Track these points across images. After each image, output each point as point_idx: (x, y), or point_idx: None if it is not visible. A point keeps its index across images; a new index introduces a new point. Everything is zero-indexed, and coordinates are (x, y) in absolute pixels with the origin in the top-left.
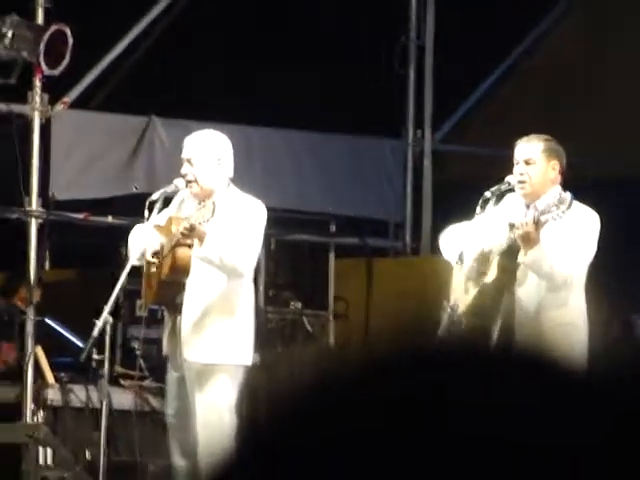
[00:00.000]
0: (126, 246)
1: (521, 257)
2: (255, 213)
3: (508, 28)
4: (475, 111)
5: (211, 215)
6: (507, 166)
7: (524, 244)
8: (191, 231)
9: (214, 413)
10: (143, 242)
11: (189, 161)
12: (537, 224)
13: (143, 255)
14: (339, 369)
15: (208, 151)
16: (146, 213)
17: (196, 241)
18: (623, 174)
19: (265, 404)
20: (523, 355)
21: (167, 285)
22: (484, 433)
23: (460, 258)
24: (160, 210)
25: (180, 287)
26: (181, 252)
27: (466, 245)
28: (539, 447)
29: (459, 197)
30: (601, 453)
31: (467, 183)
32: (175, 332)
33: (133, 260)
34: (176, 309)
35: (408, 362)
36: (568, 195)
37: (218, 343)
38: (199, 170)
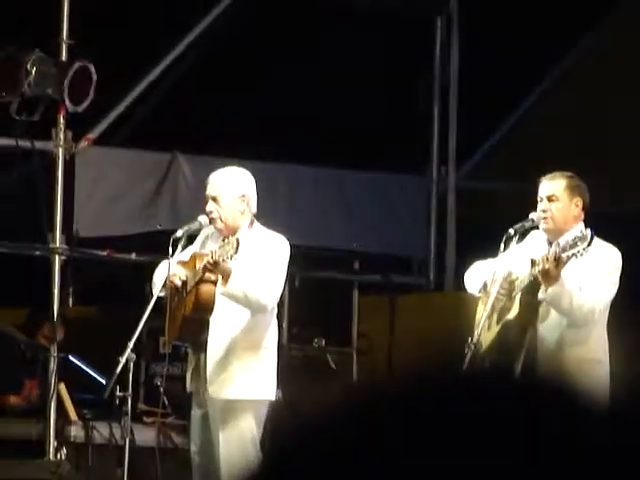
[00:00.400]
0: (150, 283)
1: (542, 293)
2: (279, 248)
3: (531, 64)
4: (499, 148)
5: (234, 252)
6: (531, 202)
7: (544, 280)
8: (214, 267)
9: (238, 449)
10: (167, 273)
11: (214, 199)
12: (558, 260)
13: (166, 288)
14: (368, 401)
15: (232, 188)
16: (170, 250)
17: (220, 278)
18: None
19: (290, 437)
20: (547, 384)
21: (191, 322)
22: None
23: (484, 289)
24: (184, 247)
25: (204, 324)
26: (205, 289)
27: (490, 280)
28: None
29: (483, 234)
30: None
31: (491, 220)
32: (199, 369)
33: (157, 293)
34: (200, 346)
35: (437, 394)
36: (589, 232)
37: (242, 379)
38: (223, 207)
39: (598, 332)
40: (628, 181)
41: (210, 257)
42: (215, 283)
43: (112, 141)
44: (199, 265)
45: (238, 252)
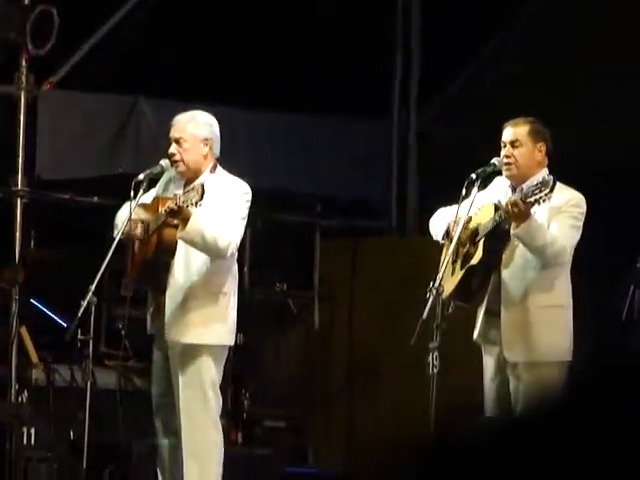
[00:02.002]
0: (112, 225)
1: (513, 229)
2: (240, 194)
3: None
4: (463, 93)
5: (199, 199)
6: (494, 148)
7: (515, 219)
8: (178, 212)
9: (197, 392)
10: (128, 215)
11: (177, 141)
12: (524, 201)
13: (126, 232)
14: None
15: (196, 131)
16: (132, 194)
17: (181, 222)
18: (609, 162)
19: None
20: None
21: (152, 265)
22: None
23: (447, 235)
24: (146, 191)
25: (165, 267)
26: (167, 232)
27: (453, 223)
28: None
29: (445, 177)
30: None
31: (453, 164)
32: (159, 312)
33: (118, 236)
34: (160, 289)
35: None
36: (551, 177)
37: (201, 324)
38: (186, 150)
39: (561, 278)
40: (594, 134)
41: (174, 202)
42: (177, 227)
43: (74, 85)
44: (162, 209)
45: (203, 199)
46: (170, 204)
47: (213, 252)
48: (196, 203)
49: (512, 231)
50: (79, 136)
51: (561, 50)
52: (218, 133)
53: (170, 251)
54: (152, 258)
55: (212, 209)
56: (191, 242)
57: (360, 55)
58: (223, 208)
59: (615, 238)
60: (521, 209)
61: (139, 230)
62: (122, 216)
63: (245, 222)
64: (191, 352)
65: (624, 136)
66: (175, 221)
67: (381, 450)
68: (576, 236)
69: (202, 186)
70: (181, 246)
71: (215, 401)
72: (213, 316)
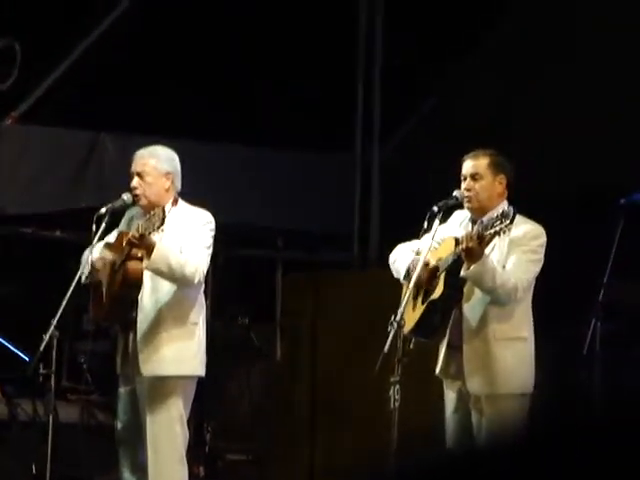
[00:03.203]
0: (75, 260)
1: (464, 271)
2: (204, 224)
3: (455, 38)
4: (424, 123)
5: (161, 223)
6: (456, 178)
7: (467, 258)
8: (140, 240)
9: (165, 427)
10: (93, 258)
11: (139, 175)
12: (481, 238)
13: (92, 272)
14: None
15: (157, 166)
16: (94, 227)
17: (145, 253)
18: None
19: None
20: None
21: (119, 301)
22: None
23: (407, 276)
24: (108, 225)
25: (132, 303)
26: (132, 266)
27: (413, 263)
28: None
29: (408, 210)
30: None
31: (415, 196)
32: (128, 348)
33: (80, 272)
34: (128, 326)
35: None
36: (511, 209)
37: (171, 355)
38: (148, 184)
39: (522, 310)
40: (553, 161)
41: (136, 230)
42: (142, 260)
43: (37, 119)
44: (125, 242)
45: (164, 224)
46: (133, 233)
47: (180, 280)
48: (158, 228)
49: (463, 272)
50: (42, 170)
51: (517, 81)
52: (179, 167)
53: (136, 285)
54: (118, 294)
55: (176, 238)
56: (157, 271)
57: (322, 89)
58: (187, 237)
59: (577, 270)
60: (475, 247)
61: (104, 269)
62: (86, 256)
63: (210, 251)
64: (161, 387)
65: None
66: (139, 253)
67: None
68: (534, 269)
69: (163, 210)
70: (147, 280)
71: (182, 437)
72: (185, 347)
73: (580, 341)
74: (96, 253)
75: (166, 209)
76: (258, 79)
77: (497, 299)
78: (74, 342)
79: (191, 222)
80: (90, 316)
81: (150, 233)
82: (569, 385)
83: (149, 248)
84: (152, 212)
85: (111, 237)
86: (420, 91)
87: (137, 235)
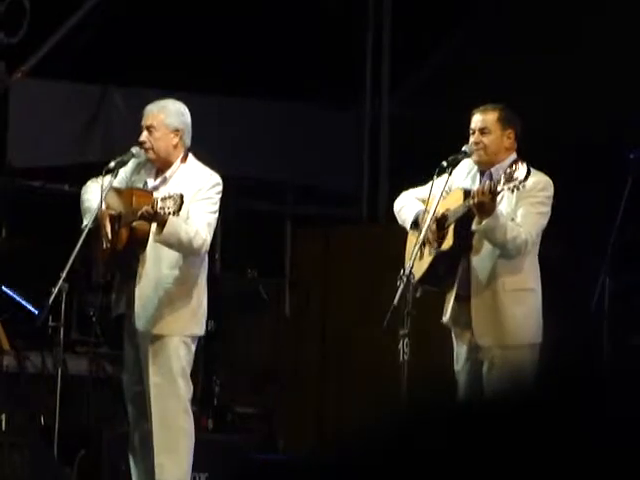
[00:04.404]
0: (81, 208)
1: (475, 225)
2: (211, 186)
3: None
4: (434, 77)
5: (177, 209)
6: (466, 132)
7: (479, 212)
8: (154, 216)
9: (168, 382)
10: (99, 204)
11: (148, 129)
12: (493, 194)
13: (98, 219)
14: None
15: (166, 121)
16: (102, 180)
17: (155, 225)
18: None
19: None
20: None
21: (122, 255)
22: None
23: (415, 224)
24: (116, 175)
25: (136, 256)
26: (139, 226)
27: (421, 211)
28: None
29: (417, 165)
30: None
31: (425, 150)
32: (129, 300)
33: (89, 223)
34: (130, 277)
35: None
36: (525, 166)
37: (172, 315)
38: (157, 139)
39: (530, 261)
40: (563, 113)
41: (150, 207)
42: (150, 221)
43: (46, 73)
44: (136, 202)
45: (181, 210)
46: (147, 209)
47: (187, 251)
48: (173, 213)
49: (474, 226)
50: (51, 124)
51: (530, 28)
52: (189, 122)
53: (142, 244)
54: (123, 249)
55: (185, 205)
56: (167, 245)
57: (331, 41)
58: (195, 204)
59: (584, 226)
60: (487, 201)
61: (108, 228)
62: (92, 198)
63: (217, 215)
64: (161, 341)
65: (592, 112)
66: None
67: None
68: (542, 221)
69: (181, 197)
70: (150, 236)
71: (185, 389)
72: (184, 307)
73: (588, 297)
74: (103, 198)
75: (175, 166)
76: (268, 31)
77: (507, 253)
78: (83, 295)
79: (199, 184)
80: (97, 269)
81: (164, 214)
82: (576, 339)
83: (161, 224)
84: (172, 195)
85: (118, 181)
86: (430, 43)
87: (151, 211)
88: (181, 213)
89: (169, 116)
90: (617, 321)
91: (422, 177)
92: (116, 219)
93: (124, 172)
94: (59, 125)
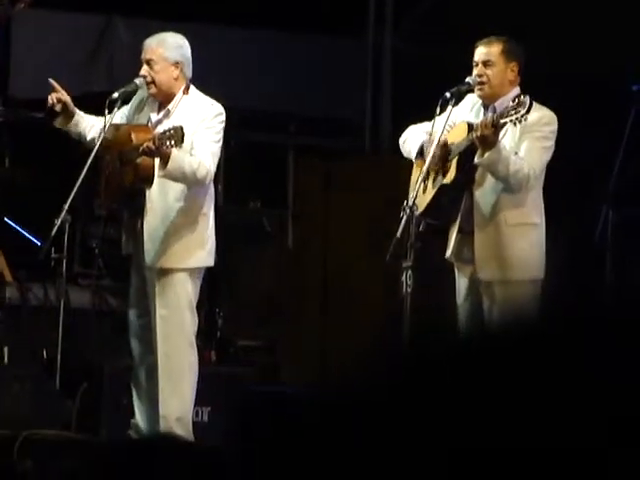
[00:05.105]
0: (83, 142)
1: (478, 158)
2: (214, 116)
3: None
4: (437, 9)
5: (180, 141)
6: (469, 65)
7: (482, 145)
8: (157, 151)
9: (175, 314)
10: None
11: (148, 62)
12: (496, 126)
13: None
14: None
15: (166, 54)
16: (106, 112)
17: (158, 160)
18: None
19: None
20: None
21: (128, 191)
22: None
23: (420, 154)
24: (120, 108)
25: (142, 191)
26: (144, 162)
27: (426, 141)
28: None
29: (420, 97)
30: None
31: (428, 83)
32: (136, 234)
33: (91, 156)
34: (137, 211)
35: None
36: (527, 99)
37: (181, 248)
38: (157, 72)
39: (533, 196)
40: (566, 45)
41: (152, 143)
42: (153, 156)
43: (50, 3)
44: (135, 138)
45: (183, 142)
46: (149, 145)
47: (192, 183)
48: (175, 145)
49: (476, 159)
50: (54, 55)
51: None
52: (189, 55)
53: (148, 180)
54: (130, 186)
55: (188, 136)
56: (171, 178)
57: None
58: (198, 134)
59: (587, 159)
60: (490, 134)
61: (111, 154)
62: (94, 127)
63: (220, 144)
64: (169, 274)
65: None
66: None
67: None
68: (546, 156)
69: (181, 129)
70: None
71: (191, 322)
72: (193, 240)
73: (591, 229)
74: (105, 132)
75: (177, 98)
76: None
77: (510, 187)
78: (86, 227)
79: (202, 114)
80: (100, 201)
81: (167, 147)
82: (579, 275)
83: (164, 159)
84: (170, 127)
85: (119, 115)
86: None
87: (153, 147)
88: (185, 144)
89: (168, 49)
90: (620, 253)
91: (425, 108)
92: (118, 157)
93: (126, 109)
94: (62, 56)
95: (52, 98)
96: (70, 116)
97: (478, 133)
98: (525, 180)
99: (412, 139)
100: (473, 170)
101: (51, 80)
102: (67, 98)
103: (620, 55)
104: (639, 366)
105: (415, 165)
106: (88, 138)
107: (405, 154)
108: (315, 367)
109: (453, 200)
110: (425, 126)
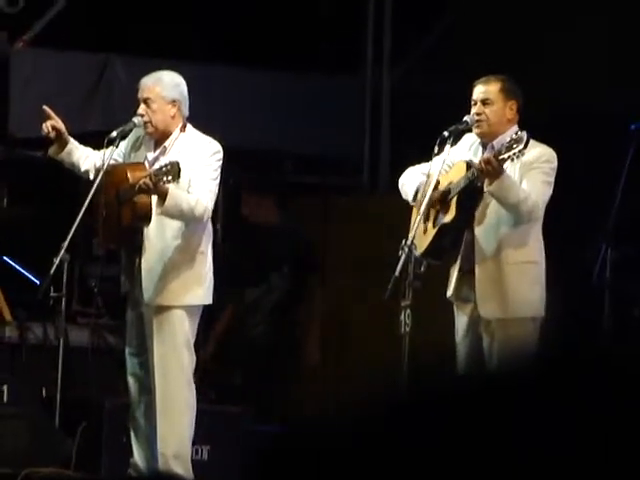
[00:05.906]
0: (86, 185)
1: (486, 187)
2: (212, 154)
3: None
4: (436, 48)
5: (177, 177)
6: (467, 104)
7: (488, 177)
8: (154, 188)
9: (172, 353)
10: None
11: (145, 101)
12: (497, 159)
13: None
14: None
15: (163, 93)
16: (104, 151)
17: (156, 197)
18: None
19: None
20: None
21: (127, 230)
22: None
23: (417, 197)
24: (117, 145)
25: (140, 229)
26: (142, 200)
27: (422, 184)
28: None
29: (418, 135)
30: None
31: (426, 122)
32: (134, 272)
33: (90, 195)
34: (135, 249)
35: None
36: (524, 134)
37: (177, 285)
38: (154, 111)
39: (534, 234)
40: (564, 83)
41: (148, 179)
42: (150, 194)
43: (48, 43)
44: (132, 179)
45: (180, 177)
46: (145, 181)
47: (190, 220)
48: (172, 180)
49: (486, 188)
50: (52, 93)
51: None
52: (186, 93)
53: (146, 218)
54: (128, 225)
55: (184, 168)
56: (169, 216)
57: (332, 8)
58: (196, 169)
59: (586, 197)
60: (494, 166)
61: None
62: (87, 157)
63: (218, 182)
64: (167, 311)
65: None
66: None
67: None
68: (547, 192)
69: (178, 164)
70: (153, 207)
71: (189, 360)
72: (190, 277)
73: (590, 267)
74: (104, 170)
75: (174, 136)
76: (269, 2)
77: (520, 214)
78: (85, 265)
79: (199, 152)
80: (99, 240)
81: (164, 183)
82: (578, 313)
83: (162, 195)
84: (168, 163)
85: (115, 155)
86: (433, 12)
87: (150, 183)
88: (182, 182)
89: (165, 88)
90: (618, 292)
91: (423, 147)
92: (115, 197)
93: (123, 146)
94: (60, 94)
95: (47, 126)
96: (63, 145)
97: (482, 167)
98: (535, 208)
99: (409, 182)
100: (473, 209)
101: (45, 107)
102: (61, 126)
103: (619, 94)
104: (637, 406)
105: (415, 208)
106: (82, 169)
107: (404, 196)
108: (313, 404)
109: (454, 239)
110: (423, 167)
